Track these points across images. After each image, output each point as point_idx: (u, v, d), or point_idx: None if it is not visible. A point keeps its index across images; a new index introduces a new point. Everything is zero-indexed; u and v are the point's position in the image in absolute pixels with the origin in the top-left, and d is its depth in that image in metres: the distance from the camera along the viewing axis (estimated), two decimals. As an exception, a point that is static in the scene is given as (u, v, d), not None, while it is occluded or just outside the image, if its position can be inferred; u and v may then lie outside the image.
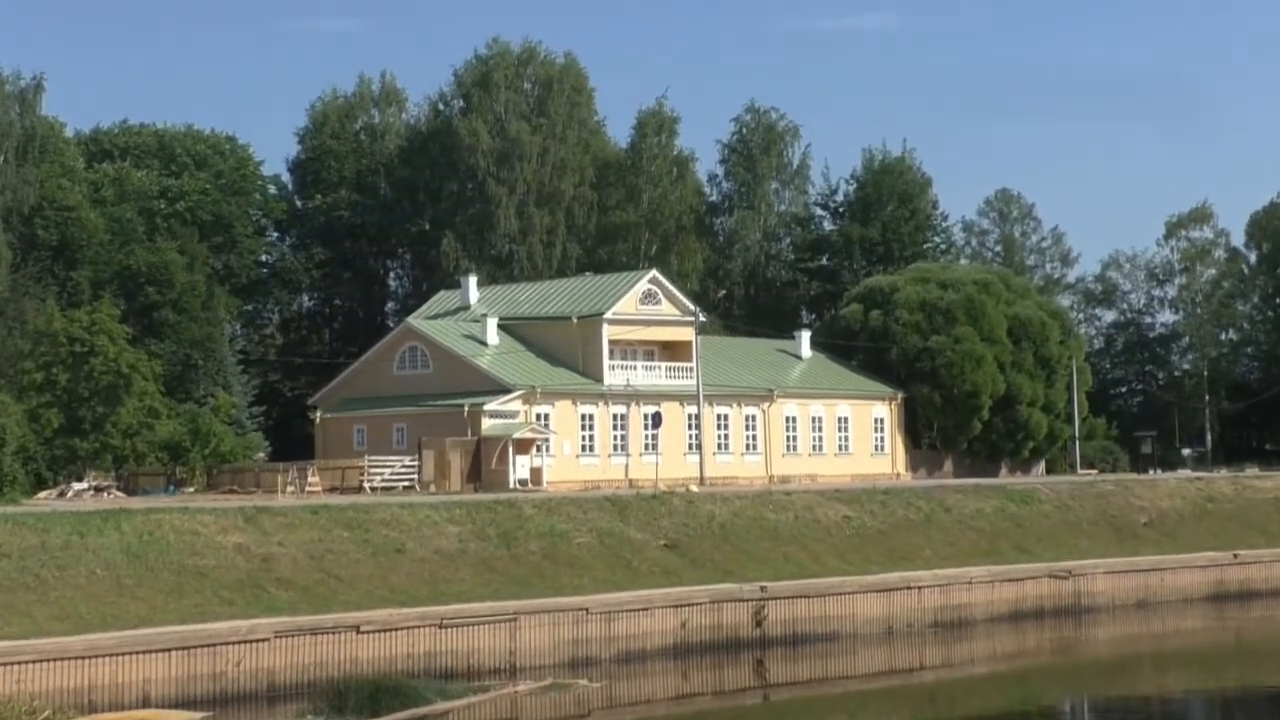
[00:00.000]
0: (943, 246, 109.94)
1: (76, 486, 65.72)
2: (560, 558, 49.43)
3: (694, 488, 63.27)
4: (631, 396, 76.71)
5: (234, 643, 38.18)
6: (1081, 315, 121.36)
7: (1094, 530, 64.87)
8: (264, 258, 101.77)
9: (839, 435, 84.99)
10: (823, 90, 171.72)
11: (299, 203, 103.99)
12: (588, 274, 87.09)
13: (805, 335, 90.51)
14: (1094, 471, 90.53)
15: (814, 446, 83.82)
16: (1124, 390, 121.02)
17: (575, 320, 77.39)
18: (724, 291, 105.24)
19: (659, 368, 78.67)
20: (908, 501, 62.22)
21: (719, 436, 79.89)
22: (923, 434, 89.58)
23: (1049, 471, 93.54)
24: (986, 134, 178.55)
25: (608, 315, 77.07)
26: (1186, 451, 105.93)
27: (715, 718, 40.29)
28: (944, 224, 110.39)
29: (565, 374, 76.24)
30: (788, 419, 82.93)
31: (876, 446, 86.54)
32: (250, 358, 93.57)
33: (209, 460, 70.83)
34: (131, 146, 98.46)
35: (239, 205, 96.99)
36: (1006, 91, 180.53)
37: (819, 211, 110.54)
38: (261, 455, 78.10)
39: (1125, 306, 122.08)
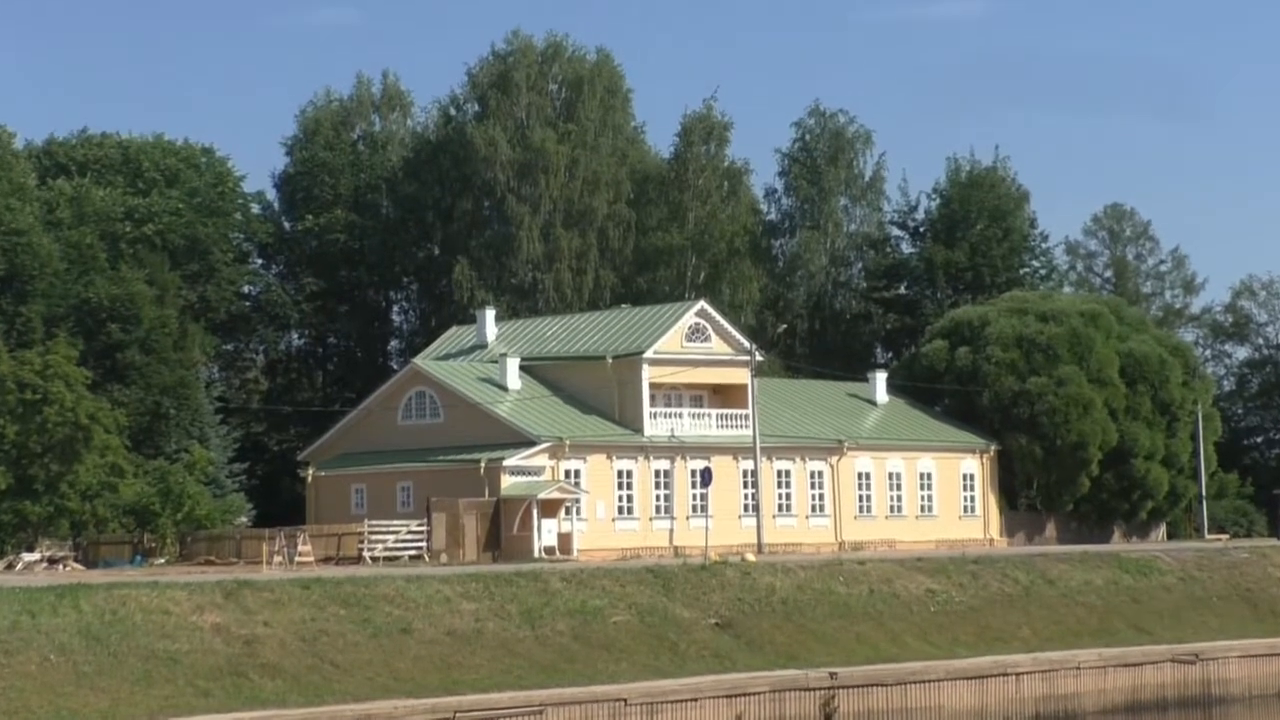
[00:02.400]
0: (1042, 272, 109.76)
1: (27, 558, 66.00)
2: (593, 639, 49.44)
3: (750, 556, 63.25)
4: (677, 449, 76.70)
5: (211, 740, 38.29)
6: (1209, 352, 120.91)
7: (1225, 606, 64.46)
8: (246, 289, 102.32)
9: (921, 494, 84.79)
10: (899, 90, 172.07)
11: (287, 225, 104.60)
12: (624, 306, 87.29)
13: (880, 377, 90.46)
14: (1224, 537, 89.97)
15: (891, 508, 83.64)
16: (1260, 440, 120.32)
17: (610, 360, 77.52)
18: (785, 326, 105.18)
19: (709, 415, 78.70)
20: (1003, 572, 62.05)
21: (780, 496, 79.78)
22: (1020, 492, 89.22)
23: (1171, 537, 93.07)
24: (1093, 139, 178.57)
25: (648, 354, 77.19)
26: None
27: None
28: (1044, 245, 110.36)
29: (599, 423, 76.33)
30: (861, 475, 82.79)
31: (965, 507, 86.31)
32: (230, 406, 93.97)
33: (182, 526, 71.00)
34: (91, 160, 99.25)
35: (217, 228, 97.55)
36: (1116, 89, 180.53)
37: (896, 232, 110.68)
38: (244, 520, 78.32)
39: (1261, 341, 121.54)
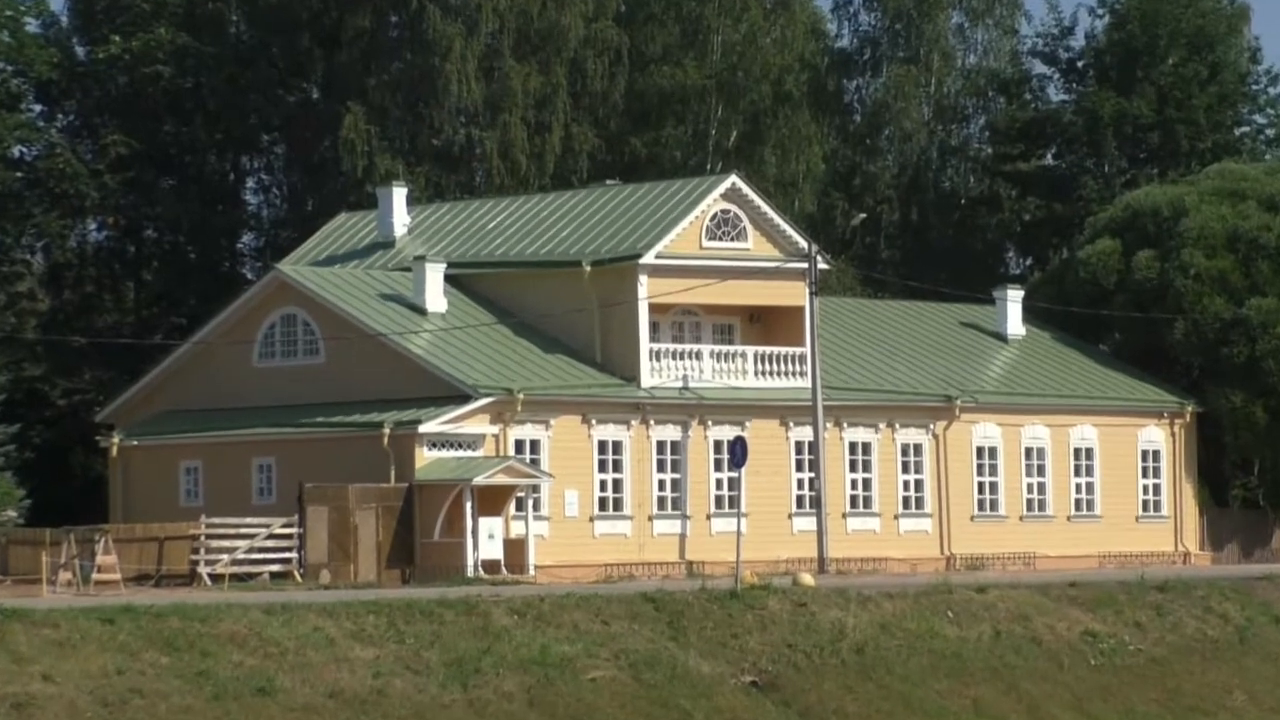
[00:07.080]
0: (1270, 132, 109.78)
1: None
2: (559, 707, 49.68)
3: (807, 578, 63.36)
4: (692, 409, 76.88)
5: None
6: None
7: None
8: (18, 152, 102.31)
9: (1076, 482, 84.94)
10: None
11: (81, 51, 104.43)
12: (611, 183, 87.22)
13: (1014, 297, 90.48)
14: None
15: (1030, 503, 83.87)
16: None
17: (588, 269, 77.49)
18: (864, 215, 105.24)
19: (743, 357, 78.73)
20: (1205, 605, 62.29)
21: (854, 484, 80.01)
22: (1233, 480, 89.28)
23: None
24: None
25: (648, 259, 77.15)
26: None
27: None
28: (1273, 91, 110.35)
29: (569, 367, 76.51)
30: (982, 452, 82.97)
31: (1147, 503, 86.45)
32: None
33: (-85, 525, 71.29)
34: None
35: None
36: None
37: (1040, 68, 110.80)
38: (12, 515, 78.39)
39: None
